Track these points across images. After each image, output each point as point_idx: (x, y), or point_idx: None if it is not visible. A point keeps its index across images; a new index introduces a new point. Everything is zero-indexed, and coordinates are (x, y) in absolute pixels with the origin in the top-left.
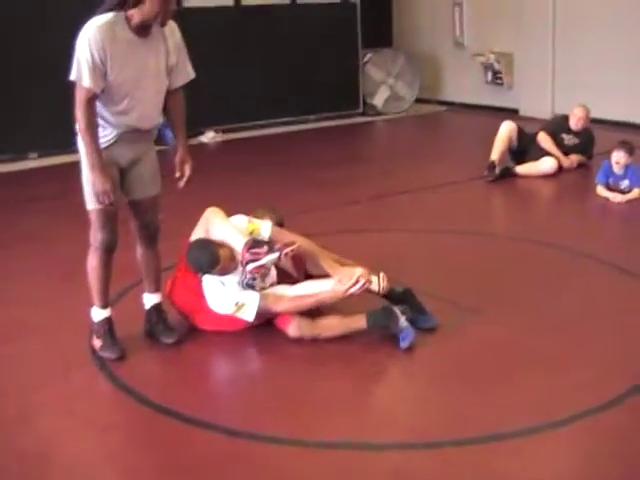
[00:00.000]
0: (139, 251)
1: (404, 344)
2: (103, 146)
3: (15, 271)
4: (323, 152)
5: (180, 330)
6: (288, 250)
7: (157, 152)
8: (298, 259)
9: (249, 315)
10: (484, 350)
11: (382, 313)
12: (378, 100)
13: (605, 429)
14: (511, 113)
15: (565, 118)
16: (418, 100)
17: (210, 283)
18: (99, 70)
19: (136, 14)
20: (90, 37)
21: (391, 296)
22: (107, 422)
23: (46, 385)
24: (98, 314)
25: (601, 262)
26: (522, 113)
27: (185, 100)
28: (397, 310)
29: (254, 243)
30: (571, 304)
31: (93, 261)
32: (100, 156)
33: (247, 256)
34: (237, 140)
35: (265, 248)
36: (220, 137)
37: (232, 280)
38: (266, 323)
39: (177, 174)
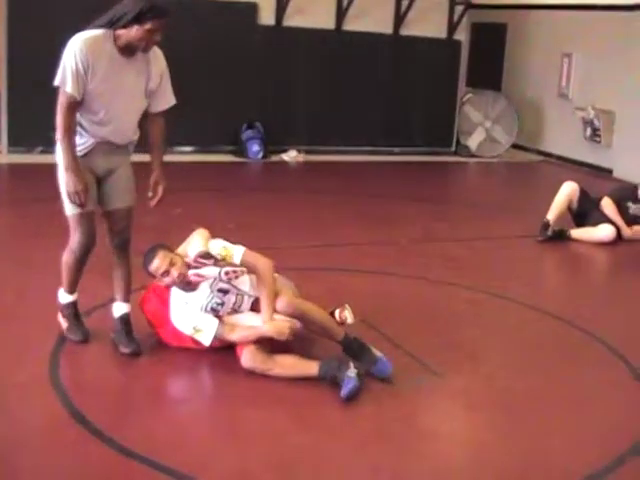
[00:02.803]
0: (113, 260)
1: (344, 392)
2: (81, 153)
3: None
4: (396, 187)
5: (142, 344)
6: (229, 270)
7: (240, 164)
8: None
9: (205, 340)
10: (415, 415)
11: (334, 364)
12: (472, 142)
13: None
14: (605, 173)
15: (635, 187)
16: (516, 146)
17: (176, 299)
18: (81, 78)
19: (123, 35)
20: (76, 48)
21: (344, 345)
22: (22, 415)
23: None
24: (64, 297)
25: (610, 350)
26: (616, 174)
27: (272, 117)
28: (351, 363)
29: (205, 254)
30: (543, 385)
31: (69, 259)
32: (76, 159)
33: (193, 263)
34: (317, 162)
35: (212, 261)
36: (301, 157)
37: (196, 301)
38: (229, 346)
39: (150, 194)
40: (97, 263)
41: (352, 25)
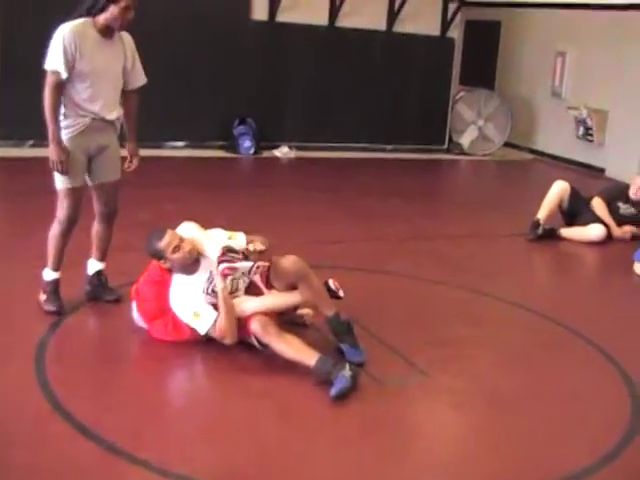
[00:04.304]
0: (95, 227)
1: (334, 390)
2: (74, 133)
3: None
4: (387, 184)
5: (130, 340)
6: (260, 264)
7: (231, 160)
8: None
9: (202, 328)
10: (400, 413)
11: (331, 361)
12: (465, 140)
13: None
14: (598, 172)
15: (626, 187)
16: (508, 145)
17: (177, 283)
18: (68, 58)
19: (101, 19)
20: (64, 33)
21: (332, 322)
22: (6, 411)
23: None
24: (49, 275)
25: (598, 349)
26: (608, 173)
27: (264, 113)
28: (347, 365)
29: (231, 249)
30: (529, 383)
31: (55, 231)
32: (59, 132)
33: (222, 257)
34: (309, 159)
35: (241, 256)
36: (293, 153)
37: (198, 282)
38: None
39: (126, 165)
40: (84, 259)
41: (345, 21)
